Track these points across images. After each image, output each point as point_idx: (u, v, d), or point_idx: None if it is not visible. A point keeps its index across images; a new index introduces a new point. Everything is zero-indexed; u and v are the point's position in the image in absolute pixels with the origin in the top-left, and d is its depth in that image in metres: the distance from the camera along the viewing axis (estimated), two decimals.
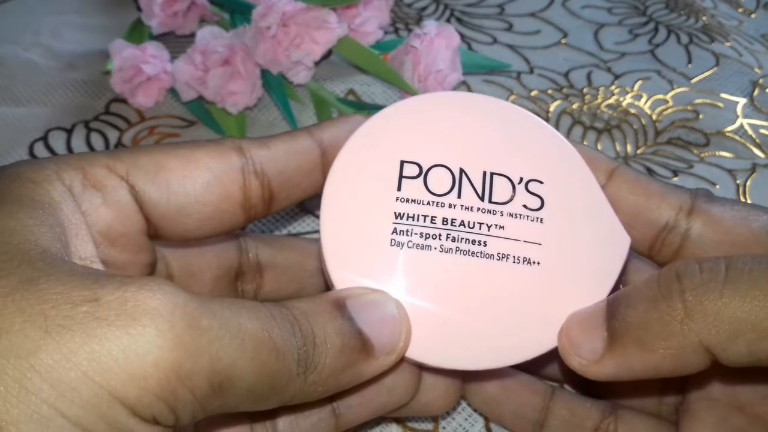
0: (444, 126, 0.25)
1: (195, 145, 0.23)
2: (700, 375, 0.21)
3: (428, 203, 0.24)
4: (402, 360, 0.23)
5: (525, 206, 0.24)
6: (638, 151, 0.44)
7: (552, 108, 0.46)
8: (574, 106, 0.47)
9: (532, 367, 0.28)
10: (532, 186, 0.24)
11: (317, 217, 0.38)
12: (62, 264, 0.18)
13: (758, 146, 0.45)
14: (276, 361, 0.19)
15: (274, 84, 0.43)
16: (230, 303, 0.19)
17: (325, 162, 0.25)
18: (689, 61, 0.52)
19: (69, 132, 0.42)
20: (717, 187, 0.42)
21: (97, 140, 0.42)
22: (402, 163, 0.24)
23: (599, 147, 0.44)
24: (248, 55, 0.42)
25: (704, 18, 0.56)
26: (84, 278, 0.17)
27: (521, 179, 0.24)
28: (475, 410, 0.30)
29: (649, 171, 0.43)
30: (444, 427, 0.30)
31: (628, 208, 0.24)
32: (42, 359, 0.16)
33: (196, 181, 0.22)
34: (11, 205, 0.19)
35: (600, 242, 0.24)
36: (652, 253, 0.25)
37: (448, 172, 0.24)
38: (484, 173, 0.24)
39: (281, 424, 0.25)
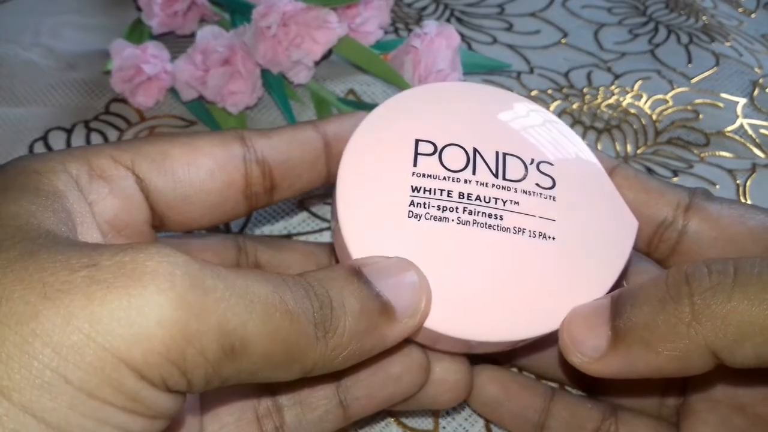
0: (456, 110, 0.26)
1: (197, 134, 0.23)
2: (703, 376, 0.21)
3: (444, 178, 0.24)
4: (419, 331, 0.23)
5: (538, 185, 0.24)
6: (638, 151, 0.44)
7: (552, 108, 0.46)
8: (574, 106, 0.47)
9: (536, 351, 0.28)
10: (543, 167, 0.25)
11: (314, 215, 0.38)
12: (64, 240, 0.18)
13: (758, 146, 0.45)
14: (291, 324, 0.18)
15: (275, 84, 0.43)
16: (236, 269, 0.18)
17: (328, 154, 0.25)
18: (689, 61, 0.52)
19: (69, 132, 0.42)
20: (717, 187, 0.42)
21: (97, 140, 0.42)
22: (417, 141, 0.25)
23: (599, 147, 0.44)
24: (248, 55, 0.42)
25: (704, 18, 0.56)
26: (83, 248, 0.17)
27: (533, 160, 0.25)
28: (475, 412, 0.30)
29: (649, 171, 0.43)
30: (444, 427, 0.30)
31: (628, 205, 0.25)
32: (43, 324, 0.15)
33: (200, 168, 0.22)
34: (15, 193, 0.19)
35: (610, 224, 0.24)
36: (650, 249, 0.25)
37: (462, 150, 0.25)
38: (497, 153, 0.25)
39: (288, 416, 0.25)
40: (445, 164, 0.24)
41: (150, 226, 0.23)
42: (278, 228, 0.38)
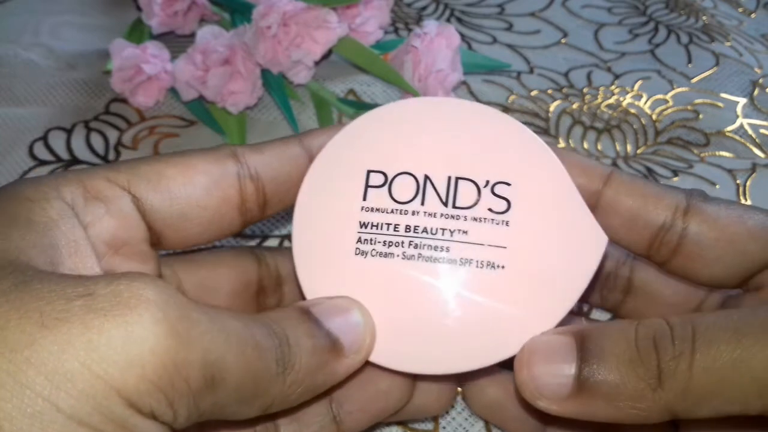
0: (412, 133, 0.25)
1: (191, 152, 0.24)
2: None
3: (392, 211, 0.24)
4: (368, 363, 0.24)
5: (490, 210, 0.24)
6: (638, 151, 0.44)
7: (552, 108, 0.46)
8: (574, 106, 0.47)
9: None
10: (498, 189, 0.24)
11: None
12: (53, 273, 0.18)
13: (758, 146, 0.45)
14: (259, 358, 0.19)
15: (275, 84, 0.43)
16: (212, 306, 0.19)
17: None
18: (689, 61, 0.52)
19: (69, 132, 0.42)
20: (717, 186, 0.42)
21: (96, 140, 0.42)
22: (368, 172, 0.25)
23: (599, 147, 0.44)
24: (248, 55, 0.42)
25: (704, 18, 0.56)
26: (76, 279, 0.17)
27: (487, 182, 0.24)
28: (478, 415, 0.30)
29: (650, 171, 0.43)
30: (444, 427, 0.30)
31: (626, 211, 0.25)
32: (38, 351, 0.16)
33: (196, 186, 0.23)
34: (5, 227, 0.19)
35: (573, 242, 0.24)
36: (651, 252, 0.25)
37: (413, 179, 0.25)
38: (449, 178, 0.24)
39: None
40: (394, 196, 0.24)
41: (149, 245, 0.23)
42: (278, 226, 0.38)
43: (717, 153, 0.44)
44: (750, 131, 0.46)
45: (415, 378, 0.26)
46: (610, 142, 0.44)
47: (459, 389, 0.29)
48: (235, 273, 0.27)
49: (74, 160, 0.40)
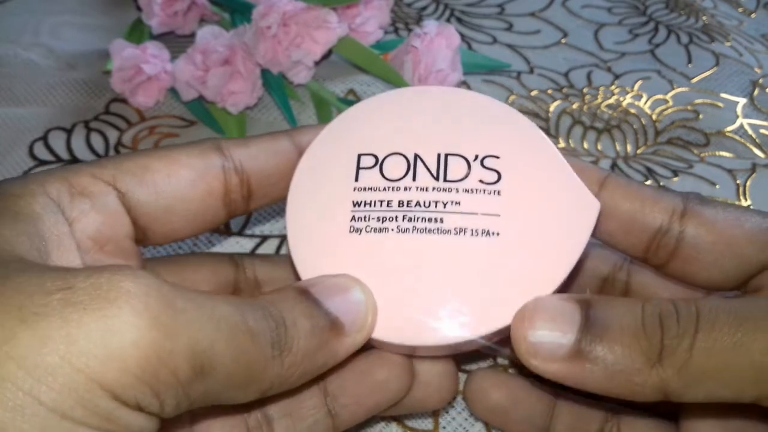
0: (401, 119, 0.26)
1: (175, 147, 0.24)
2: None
3: (384, 189, 0.24)
4: (369, 343, 0.23)
5: (481, 181, 0.24)
6: (638, 151, 0.44)
7: (552, 108, 0.46)
8: (574, 106, 0.47)
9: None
10: (488, 161, 0.25)
11: None
12: (36, 264, 0.18)
13: (758, 146, 0.45)
14: (252, 343, 0.19)
15: (275, 84, 0.43)
16: (201, 292, 0.19)
17: None
18: (689, 61, 0.52)
19: (69, 132, 0.42)
20: (717, 186, 0.42)
21: (97, 140, 0.42)
22: (359, 156, 0.25)
23: (599, 147, 0.44)
24: (248, 55, 0.42)
25: (704, 18, 0.56)
26: (57, 271, 0.17)
27: (477, 156, 0.25)
28: (480, 419, 0.30)
29: (649, 171, 0.43)
30: (444, 427, 0.30)
31: (623, 215, 0.25)
32: (17, 347, 0.16)
33: (181, 179, 0.23)
34: None
35: (565, 210, 0.24)
36: (648, 256, 0.25)
37: (403, 158, 0.25)
38: (439, 155, 0.25)
39: (278, 428, 0.25)
40: (385, 175, 0.25)
41: (132, 241, 0.23)
42: (279, 227, 0.38)
43: (717, 153, 0.44)
44: (750, 131, 0.46)
45: (412, 357, 0.25)
46: (610, 142, 0.44)
47: (460, 389, 0.29)
48: (216, 275, 0.27)
49: (74, 160, 0.40)
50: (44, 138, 0.41)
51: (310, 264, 0.24)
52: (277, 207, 0.38)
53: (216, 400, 0.19)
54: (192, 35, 0.44)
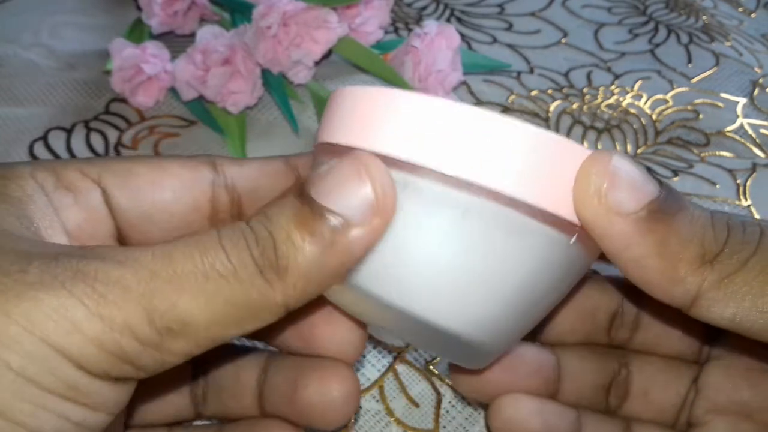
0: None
1: (169, 156, 0.23)
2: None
3: None
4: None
5: None
6: (638, 151, 0.44)
7: (552, 108, 0.46)
8: (574, 106, 0.47)
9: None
10: None
11: None
12: (17, 241, 0.18)
13: (758, 146, 0.45)
14: (230, 284, 0.18)
15: (275, 83, 0.43)
16: (161, 247, 0.18)
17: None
18: (689, 61, 0.52)
19: (69, 132, 0.42)
20: (717, 186, 0.42)
21: (97, 140, 0.42)
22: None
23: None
24: (249, 55, 0.42)
25: (704, 17, 0.56)
26: (19, 254, 0.18)
27: None
28: None
29: (649, 171, 0.43)
30: (444, 426, 0.30)
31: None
32: None
33: (165, 189, 0.22)
34: None
35: None
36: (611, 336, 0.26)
37: None
38: None
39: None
40: None
41: (116, 240, 0.23)
42: None
43: (717, 153, 0.44)
44: (750, 131, 0.46)
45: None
46: (610, 142, 0.44)
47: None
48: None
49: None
50: (44, 138, 0.41)
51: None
52: None
53: (220, 339, 0.19)
54: (192, 35, 0.44)
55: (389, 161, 0.19)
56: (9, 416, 0.16)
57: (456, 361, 0.24)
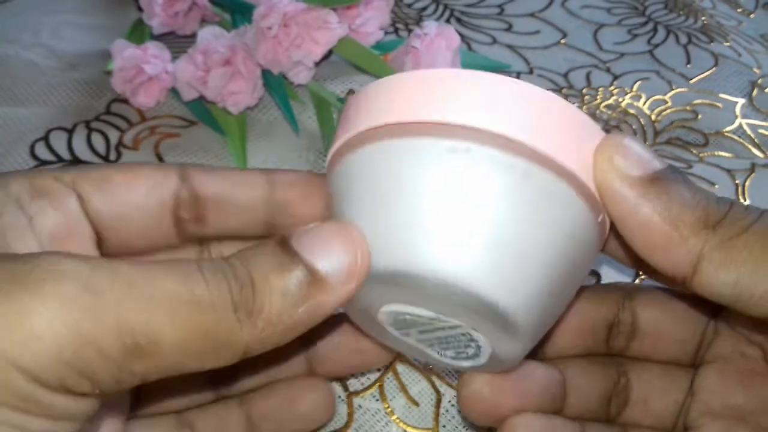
0: None
1: (141, 163, 0.25)
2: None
3: None
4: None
5: None
6: None
7: None
8: None
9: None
10: None
11: None
12: None
13: (757, 146, 0.45)
14: (204, 314, 0.18)
15: (275, 84, 0.43)
16: (142, 263, 0.18)
17: (272, 204, 0.25)
18: (688, 62, 0.52)
19: (70, 132, 0.42)
20: (716, 186, 0.42)
21: (98, 140, 0.42)
22: None
23: None
24: (249, 55, 0.42)
25: (703, 18, 0.57)
26: None
27: None
28: None
29: None
30: (444, 426, 0.30)
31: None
32: None
33: (137, 189, 0.23)
34: None
35: None
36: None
37: None
38: None
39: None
40: None
41: (95, 245, 0.23)
42: None
43: (716, 153, 0.44)
44: (749, 131, 0.46)
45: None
46: None
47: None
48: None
49: (76, 160, 0.40)
50: (45, 138, 0.42)
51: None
52: None
53: (181, 369, 0.18)
54: (193, 36, 0.44)
55: (455, 129, 0.20)
56: None
57: (477, 364, 0.23)
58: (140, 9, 0.46)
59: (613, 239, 0.24)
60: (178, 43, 0.47)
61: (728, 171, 0.43)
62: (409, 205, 0.20)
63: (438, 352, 0.24)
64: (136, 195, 0.23)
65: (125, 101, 0.44)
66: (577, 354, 0.27)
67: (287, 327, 0.19)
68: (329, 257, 0.20)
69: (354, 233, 0.20)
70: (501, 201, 0.20)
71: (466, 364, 0.24)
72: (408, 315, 0.22)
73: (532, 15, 0.56)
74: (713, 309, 0.26)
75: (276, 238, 0.20)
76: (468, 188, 0.20)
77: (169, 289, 0.18)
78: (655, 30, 0.55)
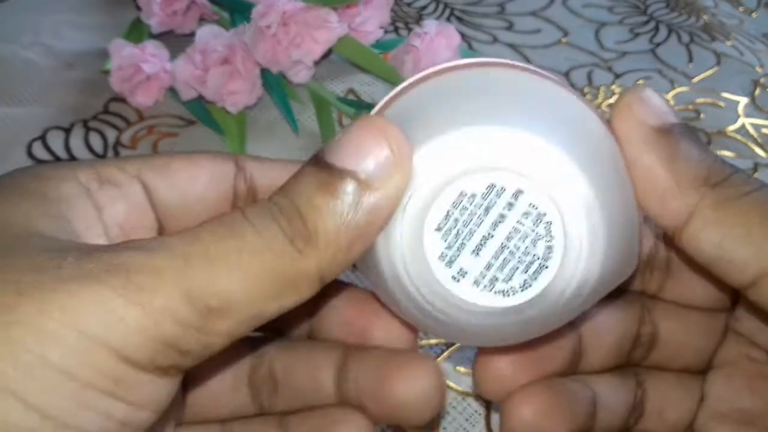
0: None
1: (199, 152, 0.24)
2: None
3: None
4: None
5: None
6: None
7: None
8: None
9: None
10: None
11: None
12: (57, 240, 0.18)
13: (760, 145, 0.45)
14: (262, 257, 0.18)
15: (274, 83, 0.43)
16: (187, 232, 0.19)
17: None
18: (690, 60, 0.51)
19: (67, 131, 0.42)
20: None
21: (95, 140, 0.42)
22: None
23: None
24: (248, 55, 0.41)
25: (705, 17, 0.56)
26: (53, 251, 0.18)
27: None
28: None
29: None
30: (444, 428, 0.30)
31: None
32: (20, 315, 0.16)
33: (201, 178, 0.23)
34: (17, 197, 0.19)
35: None
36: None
37: None
38: None
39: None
40: None
41: (158, 233, 0.23)
42: None
43: (719, 152, 0.44)
44: (751, 131, 0.46)
45: None
46: None
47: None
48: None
49: (73, 160, 0.40)
50: (42, 137, 0.41)
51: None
52: None
53: (261, 316, 0.19)
54: (191, 34, 0.44)
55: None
56: (50, 415, 0.16)
57: (537, 289, 0.20)
58: (138, 8, 0.46)
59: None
60: (176, 42, 0.46)
61: None
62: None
63: (489, 283, 0.20)
64: (198, 185, 0.23)
65: (123, 100, 0.44)
66: (604, 369, 0.27)
67: (350, 240, 0.19)
68: (363, 157, 0.19)
69: (380, 123, 0.19)
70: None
71: (518, 297, 0.20)
72: (477, 193, 0.19)
73: (533, 14, 0.56)
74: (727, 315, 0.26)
75: (310, 159, 0.20)
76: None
77: (222, 248, 0.18)
78: (656, 29, 0.55)
